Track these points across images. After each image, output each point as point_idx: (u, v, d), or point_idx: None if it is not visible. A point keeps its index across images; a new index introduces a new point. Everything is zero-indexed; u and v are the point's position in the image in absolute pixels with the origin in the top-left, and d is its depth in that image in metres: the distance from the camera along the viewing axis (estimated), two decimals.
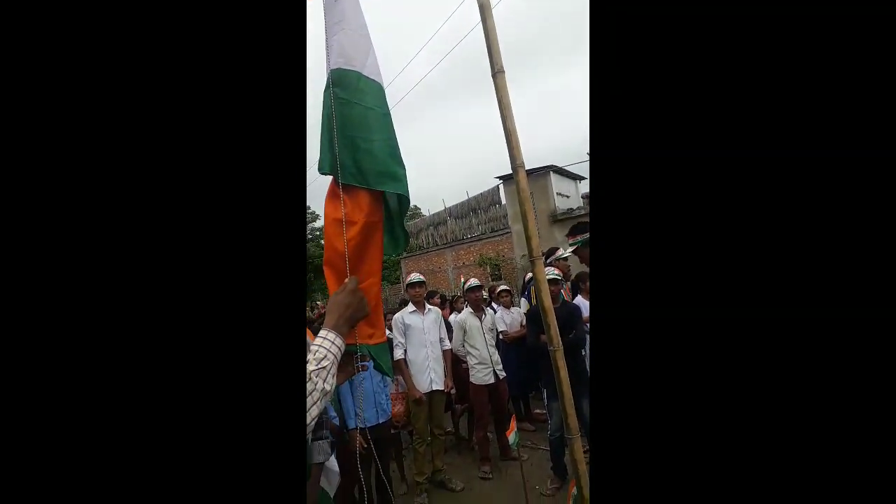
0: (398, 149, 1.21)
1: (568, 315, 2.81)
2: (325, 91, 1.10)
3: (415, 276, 3.27)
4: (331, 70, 1.10)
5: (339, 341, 0.90)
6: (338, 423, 2.24)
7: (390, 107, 1.29)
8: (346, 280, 1.01)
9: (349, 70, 1.12)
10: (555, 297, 2.90)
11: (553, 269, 3.03)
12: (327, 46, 1.11)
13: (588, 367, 2.92)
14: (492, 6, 1.44)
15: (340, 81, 1.10)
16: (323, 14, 1.14)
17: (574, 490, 1.52)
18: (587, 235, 2.50)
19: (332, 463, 1.48)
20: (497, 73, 1.41)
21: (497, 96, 1.41)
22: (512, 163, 1.41)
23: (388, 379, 2.92)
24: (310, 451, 1.37)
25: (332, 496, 1.45)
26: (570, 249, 2.69)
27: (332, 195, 1.07)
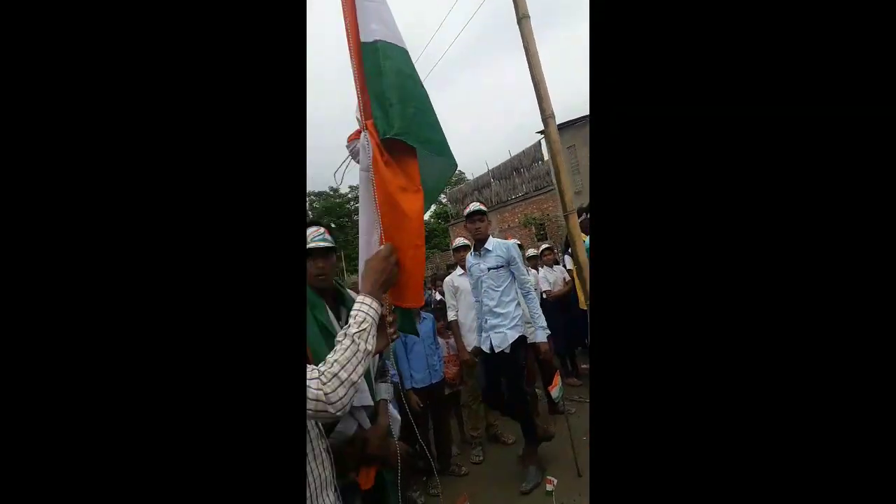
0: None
1: None
2: (384, 61, 1.14)
3: (459, 241, 3.31)
4: (380, 42, 1.14)
5: (375, 305, 0.95)
6: (397, 380, 2.39)
7: (425, 74, 1.32)
8: (381, 247, 1.05)
9: (391, 43, 1.15)
10: None
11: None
12: (366, 21, 1.14)
13: None
14: None
15: (391, 53, 1.14)
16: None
17: None
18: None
19: (393, 410, 1.61)
20: (522, 18, 1.34)
21: (523, 44, 1.34)
22: (542, 114, 1.36)
23: (440, 342, 3.03)
24: (377, 388, 1.50)
25: (395, 438, 1.58)
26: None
27: (387, 164, 1.08)
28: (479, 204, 2.63)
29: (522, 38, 1.35)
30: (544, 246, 4.31)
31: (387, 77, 1.11)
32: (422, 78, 1.24)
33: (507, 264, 2.56)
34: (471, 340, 2.99)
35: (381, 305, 0.98)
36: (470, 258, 2.66)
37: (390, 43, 1.15)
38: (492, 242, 2.60)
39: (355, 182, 1.20)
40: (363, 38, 1.13)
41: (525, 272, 2.66)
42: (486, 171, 14.97)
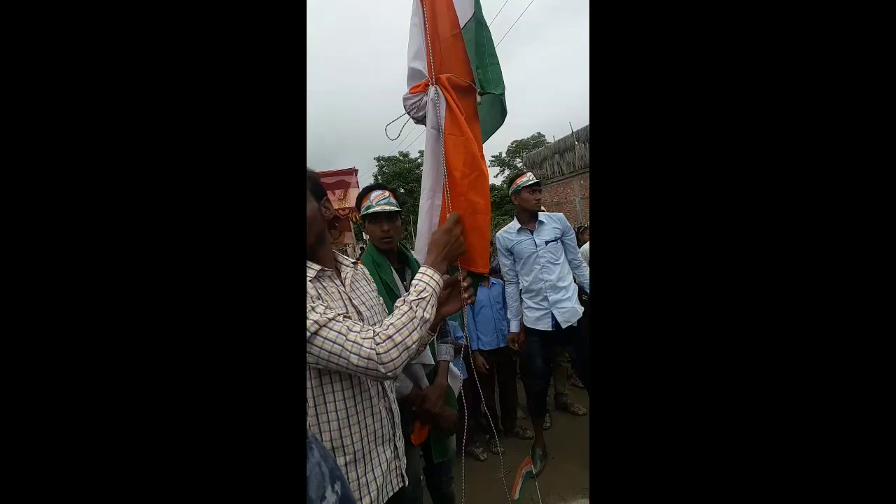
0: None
1: None
2: (480, 25, 1.17)
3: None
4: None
5: (437, 276, 0.98)
6: (464, 344, 2.47)
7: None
8: (448, 214, 1.06)
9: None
10: None
11: None
12: None
13: None
14: None
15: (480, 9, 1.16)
16: None
17: None
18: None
19: (455, 369, 1.69)
20: None
21: None
22: None
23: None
24: (438, 349, 1.57)
25: (456, 395, 1.67)
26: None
27: (464, 123, 1.06)
28: (531, 175, 2.48)
29: None
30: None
31: (485, 30, 1.11)
32: (504, 34, 1.24)
33: (563, 235, 2.44)
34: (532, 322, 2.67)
35: (443, 276, 1.00)
36: (514, 235, 2.45)
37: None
38: (543, 215, 2.46)
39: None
40: (462, 18, 1.11)
41: (576, 245, 2.54)
42: (570, 132, 14.10)
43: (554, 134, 16.44)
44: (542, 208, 2.59)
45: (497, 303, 2.89)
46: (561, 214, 2.56)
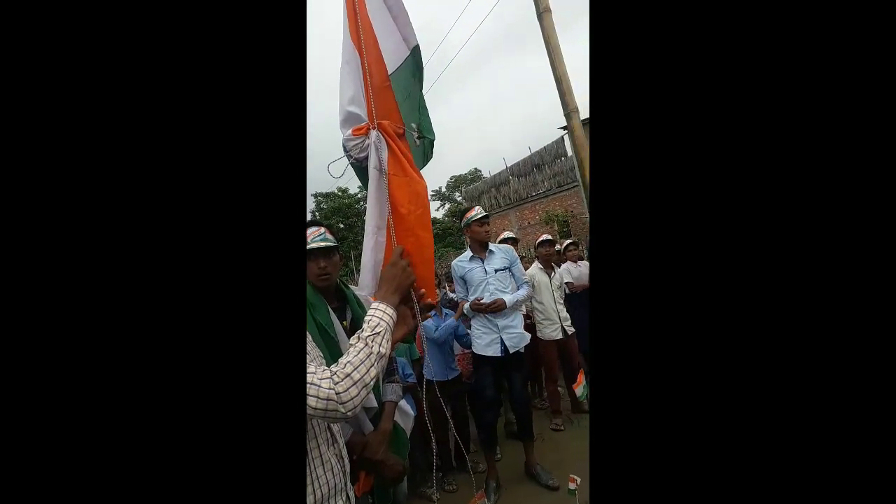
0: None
1: None
2: (416, 73, 1.26)
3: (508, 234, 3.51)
4: (413, 48, 1.25)
5: (389, 310, 0.99)
6: (414, 381, 2.40)
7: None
8: (393, 251, 1.09)
9: (414, 48, 1.26)
10: None
11: None
12: (400, 31, 1.24)
13: None
14: None
15: (419, 56, 1.26)
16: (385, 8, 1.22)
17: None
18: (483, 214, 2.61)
19: (406, 406, 1.63)
20: (543, 12, 1.32)
21: (544, 38, 1.33)
22: (564, 109, 1.34)
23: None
24: (384, 390, 1.52)
25: (407, 434, 1.60)
26: (481, 216, 2.61)
27: (405, 165, 1.12)
28: (480, 209, 2.70)
29: (543, 32, 1.35)
30: (568, 241, 4.28)
31: (415, 80, 1.17)
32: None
33: (511, 265, 2.62)
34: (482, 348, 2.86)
35: (396, 309, 1.01)
36: (466, 263, 2.66)
37: (413, 49, 1.24)
38: (493, 246, 2.67)
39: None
40: (391, 68, 1.19)
41: (524, 272, 2.73)
42: (503, 168, 14.88)
43: (490, 169, 17.27)
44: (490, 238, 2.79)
45: (450, 334, 2.88)
46: (509, 246, 2.75)
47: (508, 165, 14.71)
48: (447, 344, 2.86)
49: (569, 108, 1.33)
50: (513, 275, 2.62)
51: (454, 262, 2.75)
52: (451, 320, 2.83)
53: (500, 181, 15.28)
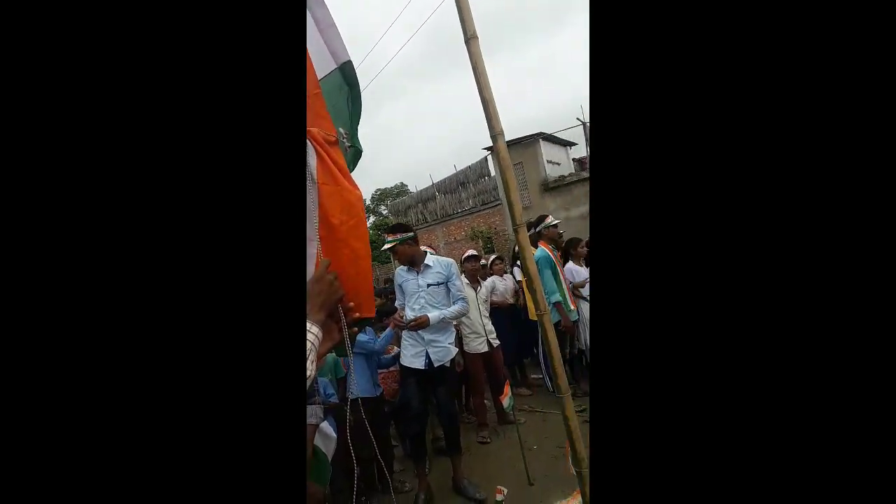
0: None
1: None
2: (343, 88, 1.26)
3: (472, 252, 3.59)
4: (344, 63, 1.25)
5: (314, 329, 0.93)
6: (337, 401, 2.31)
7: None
8: (319, 265, 1.03)
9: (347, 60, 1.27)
10: None
11: None
12: (328, 45, 1.22)
13: None
14: None
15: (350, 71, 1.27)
16: (314, 20, 1.20)
17: (569, 448, 1.60)
18: (407, 234, 2.58)
19: (328, 428, 1.54)
20: (470, 38, 1.38)
21: (471, 63, 1.39)
22: (491, 131, 1.40)
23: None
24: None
25: (329, 458, 1.51)
26: (388, 246, 2.59)
27: (337, 174, 1.08)
28: (403, 235, 2.60)
29: (470, 57, 1.40)
30: (494, 256, 4.45)
31: (344, 93, 1.15)
32: (364, 89, 1.33)
33: (447, 281, 2.60)
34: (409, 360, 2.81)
35: (321, 328, 0.95)
36: (405, 273, 2.65)
37: (344, 64, 1.24)
38: (432, 259, 2.64)
39: None
40: (320, 75, 1.18)
41: (462, 288, 2.69)
42: (430, 184, 15.11)
43: (416, 184, 17.44)
44: (432, 251, 2.77)
45: (389, 342, 2.83)
46: (450, 260, 2.72)
47: (435, 182, 14.96)
48: (375, 357, 2.80)
49: (495, 131, 1.39)
50: (448, 290, 2.61)
51: (396, 270, 2.74)
52: (388, 330, 2.79)
53: (426, 196, 15.46)
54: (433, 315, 2.49)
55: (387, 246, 2.60)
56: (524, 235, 1.41)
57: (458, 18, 1.40)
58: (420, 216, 15.50)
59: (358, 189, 1.11)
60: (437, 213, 14.82)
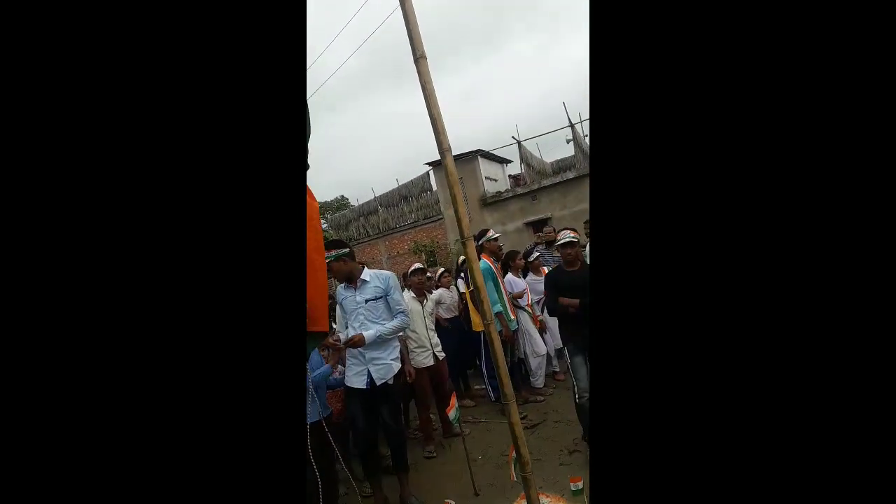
0: None
1: (583, 279, 2.67)
2: None
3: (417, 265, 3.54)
4: None
5: None
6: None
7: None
8: None
9: None
10: (573, 259, 2.78)
11: (569, 231, 2.93)
12: None
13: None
14: None
15: None
16: None
17: (514, 454, 1.65)
18: (343, 250, 2.50)
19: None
20: (419, 58, 1.43)
21: (420, 82, 1.43)
22: (439, 147, 1.45)
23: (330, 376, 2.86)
24: None
25: None
26: (329, 259, 2.44)
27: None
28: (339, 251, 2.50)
29: (419, 76, 1.44)
30: (442, 269, 4.52)
31: None
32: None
33: (385, 295, 2.53)
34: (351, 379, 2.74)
35: None
36: (343, 291, 2.59)
37: None
38: (369, 273, 2.56)
39: None
40: None
41: (401, 301, 2.63)
42: (372, 197, 14.97)
43: (357, 197, 17.17)
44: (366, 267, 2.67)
45: (323, 379, 2.71)
46: (389, 273, 2.67)
47: (377, 195, 14.84)
48: (319, 379, 2.69)
49: (443, 148, 1.44)
50: (387, 304, 2.56)
51: (337, 288, 2.65)
52: (325, 367, 2.65)
53: (368, 210, 15.27)
54: (368, 333, 2.41)
55: (338, 254, 2.50)
56: (472, 248, 1.46)
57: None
58: (362, 230, 15.24)
59: (315, 200, 1.10)
60: (379, 227, 14.68)
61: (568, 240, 2.80)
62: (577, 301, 2.59)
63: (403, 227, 13.92)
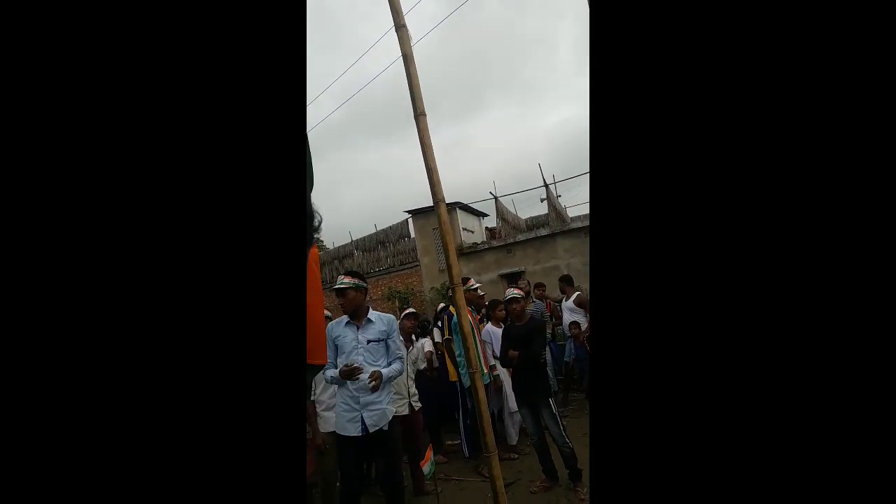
0: None
1: (527, 332, 2.99)
2: None
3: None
4: None
5: None
6: None
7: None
8: None
9: None
10: (520, 313, 3.12)
11: (514, 289, 3.25)
12: None
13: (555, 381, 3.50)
14: (412, 54, 1.58)
15: None
16: None
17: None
18: (363, 283, 2.54)
19: None
20: (419, 115, 1.54)
21: (419, 136, 1.53)
22: (434, 197, 1.52)
23: None
24: None
25: None
26: (341, 286, 2.51)
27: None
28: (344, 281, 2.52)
29: (419, 131, 1.54)
30: (442, 304, 4.55)
31: None
32: None
33: (387, 338, 2.49)
34: (328, 424, 2.69)
35: None
36: (340, 328, 2.47)
37: None
38: (374, 314, 2.53)
39: None
40: None
41: (401, 347, 2.60)
42: (349, 241, 14.95)
43: (334, 240, 17.09)
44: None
45: None
46: (391, 317, 2.63)
47: (354, 239, 14.84)
48: None
49: (437, 197, 1.51)
50: (387, 347, 2.47)
51: (330, 324, 2.52)
52: None
53: (344, 253, 15.18)
54: (386, 370, 2.33)
55: (339, 286, 2.46)
56: (460, 295, 1.50)
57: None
58: (336, 273, 15.07)
59: (315, 247, 1.14)
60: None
61: (511, 296, 3.14)
62: (517, 353, 2.85)
63: (378, 272, 13.84)
